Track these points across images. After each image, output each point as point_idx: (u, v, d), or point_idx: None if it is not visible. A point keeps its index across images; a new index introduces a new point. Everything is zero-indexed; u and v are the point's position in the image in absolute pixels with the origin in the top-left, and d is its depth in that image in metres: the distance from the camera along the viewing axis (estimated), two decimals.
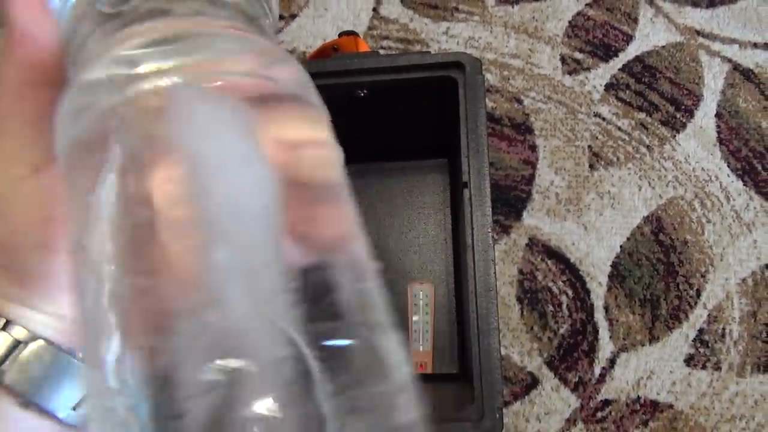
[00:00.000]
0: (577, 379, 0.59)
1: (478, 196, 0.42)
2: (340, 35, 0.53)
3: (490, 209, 0.41)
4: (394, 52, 0.67)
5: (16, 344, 0.19)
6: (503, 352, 0.60)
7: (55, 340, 0.19)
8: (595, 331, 0.60)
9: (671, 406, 0.58)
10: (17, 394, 0.19)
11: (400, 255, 0.62)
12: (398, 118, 0.55)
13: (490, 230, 0.41)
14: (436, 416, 0.40)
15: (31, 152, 0.18)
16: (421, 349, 0.60)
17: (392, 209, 0.63)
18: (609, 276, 0.61)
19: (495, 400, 0.39)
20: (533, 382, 0.59)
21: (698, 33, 0.66)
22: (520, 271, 0.61)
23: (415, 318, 0.60)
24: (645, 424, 0.57)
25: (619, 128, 0.64)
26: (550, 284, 0.61)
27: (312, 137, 0.17)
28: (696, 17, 0.67)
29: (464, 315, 0.53)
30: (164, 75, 0.15)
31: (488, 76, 0.66)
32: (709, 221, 0.62)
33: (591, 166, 0.63)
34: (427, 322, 0.60)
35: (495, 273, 0.41)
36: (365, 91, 0.47)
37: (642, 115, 0.64)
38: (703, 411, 0.57)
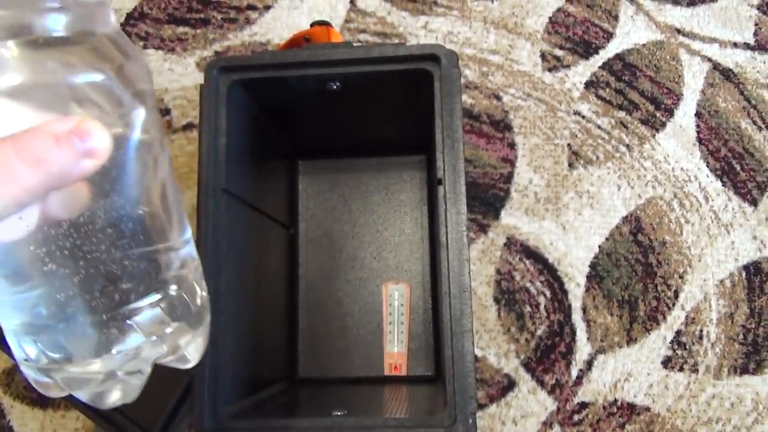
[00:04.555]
0: (554, 381, 0.58)
1: (453, 193, 0.40)
2: (312, 25, 0.51)
3: (465, 207, 0.40)
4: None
5: None
6: (479, 353, 0.59)
7: None
8: (573, 333, 0.59)
9: (648, 409, 0.57)
10: None
11: (375, 254, 0.60)
12: (373, 113, 0.53)
13: (464, 229, 0.40)
14: (407, 422, 0.38)
15: None
16: (395, 350, 0.58)
17: (367, 206, 0.61)
18: (587, 277, 0.60)
19: (468, 405, 0.37)
20: (510, 385, 0.58)
21: (678, 31, 0.66)
22: (498, 271, 0.60)
23: (389, 318, 0.59)
24: (622, 427, 0.57)
25: (599, 127, 0.63)
26: (528, 285, 0.60)
27: None
28: (676, 15, 0.66)
29: (439, 316, 0.51)
30: None
31: (467, 71, 0.65)
32: (687, 222, 0.61)
33: (570, 165, 0.62)
34: (402, 323, 0.59)
35: (470, 273, 0.39)
36: (338, 84, 0.45)
37: (622, 114, 0.63)
38: (680, 414, 0.57)
